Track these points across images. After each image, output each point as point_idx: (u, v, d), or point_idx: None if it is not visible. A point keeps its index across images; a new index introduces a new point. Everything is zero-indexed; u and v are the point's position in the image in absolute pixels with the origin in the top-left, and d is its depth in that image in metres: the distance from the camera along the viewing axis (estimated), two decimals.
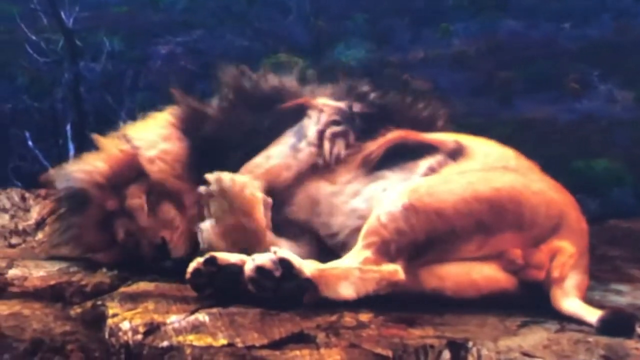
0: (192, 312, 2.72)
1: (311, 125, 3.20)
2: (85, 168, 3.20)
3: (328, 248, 3.06)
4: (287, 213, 3.12)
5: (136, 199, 3.15)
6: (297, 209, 3.12)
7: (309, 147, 3.17)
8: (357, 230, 2.93)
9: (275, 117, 3.23)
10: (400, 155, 3.08)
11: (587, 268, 2.86)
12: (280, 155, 3.17)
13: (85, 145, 3.29)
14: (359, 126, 3.17)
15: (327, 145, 3.16)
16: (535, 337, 2.59)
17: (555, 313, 2.73)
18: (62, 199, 3.22)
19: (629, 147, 3.18)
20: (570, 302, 2.72)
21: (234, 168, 3.13)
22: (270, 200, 3.07)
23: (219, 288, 2.78)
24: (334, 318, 2.71)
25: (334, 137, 3.18)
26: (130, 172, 3.20)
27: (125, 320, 2.69)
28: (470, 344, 2.53)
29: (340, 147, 3.17)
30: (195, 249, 3.04)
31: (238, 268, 2.76)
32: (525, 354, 2.49)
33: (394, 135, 3.11)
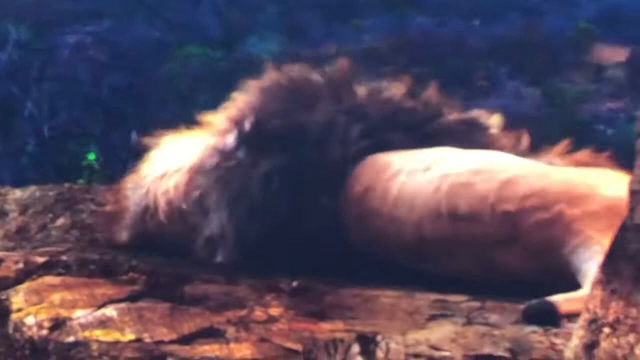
0: (99, 307, 2.68)
1: None
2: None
3: None
4: None
5: None
6: None
7: None
8: None
9: None
10: None
11: None
12: None
13: None
14: None
15: None
16: (442, 330, 2.62)
17: (462, 308, 2.76)
18: None
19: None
20: None
21: None
22: None
23: None
24: (244, 312, 2.70)
25: None
26: None
27: (29, 315, 2.64)
28: (379, 337, 2.55)
29: None
30: None
31: None
32: (433, 347, 2.51)
33: None
